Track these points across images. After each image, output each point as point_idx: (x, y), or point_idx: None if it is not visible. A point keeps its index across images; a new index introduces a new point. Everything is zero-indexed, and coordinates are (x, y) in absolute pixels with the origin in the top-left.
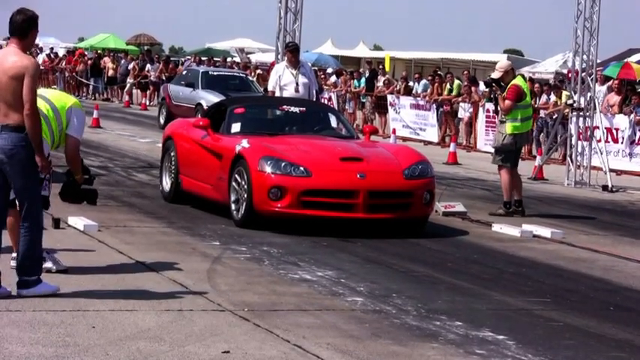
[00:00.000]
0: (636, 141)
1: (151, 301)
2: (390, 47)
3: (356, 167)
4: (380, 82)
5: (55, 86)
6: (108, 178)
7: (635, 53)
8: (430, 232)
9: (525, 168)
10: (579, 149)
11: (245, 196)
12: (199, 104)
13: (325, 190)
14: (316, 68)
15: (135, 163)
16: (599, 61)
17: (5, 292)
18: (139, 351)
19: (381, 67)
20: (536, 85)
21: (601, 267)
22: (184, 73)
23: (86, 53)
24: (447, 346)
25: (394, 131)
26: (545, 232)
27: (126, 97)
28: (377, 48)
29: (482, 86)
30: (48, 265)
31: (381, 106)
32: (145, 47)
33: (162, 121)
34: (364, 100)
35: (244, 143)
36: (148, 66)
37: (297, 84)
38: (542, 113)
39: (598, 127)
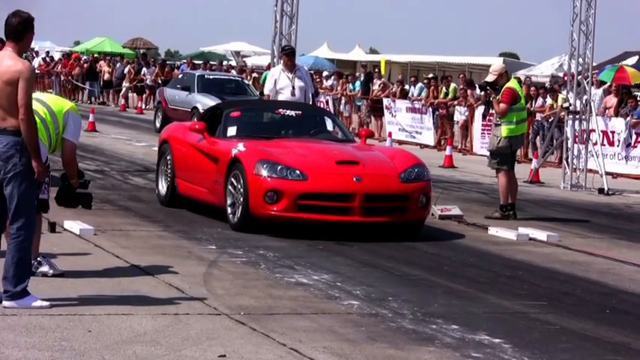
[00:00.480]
0: (632, 144)
1: (147, 305)
2: (386, 51)
3: (352, 170)
4: (375, 85)
5: (50, 90)
6: (104, 181)
7: (631, 56)
8: (426, 235)
9: (521, 171)
10: (575, 152)
11: (241, 199)
12: (195, 108)
13: (321, 194)
14: (312, 72)
15: (131, 166)
16: (594, 64)
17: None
18: (136, 355)
19: (376, 70)
20: (532, 88)
21: (597, 270)
22: (180, 76)
23: (82, 57)
24: (444, 349)
25: (390, 134)
26: (541, 235)
27: (122, 101)
28: (373, 51)
29: (479, 90)
30: (44, 269)
31: (376, 110)
32: (141, 51)
33: (158, 124)
34: (360, 104)
35: (240, 147)
36: (144, 70)
37: (293, 87)
38: (538, 116)
39: (594, 130)
